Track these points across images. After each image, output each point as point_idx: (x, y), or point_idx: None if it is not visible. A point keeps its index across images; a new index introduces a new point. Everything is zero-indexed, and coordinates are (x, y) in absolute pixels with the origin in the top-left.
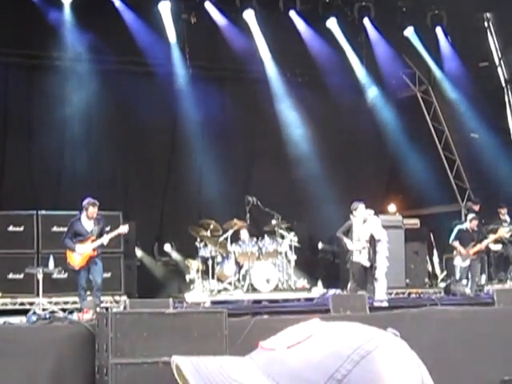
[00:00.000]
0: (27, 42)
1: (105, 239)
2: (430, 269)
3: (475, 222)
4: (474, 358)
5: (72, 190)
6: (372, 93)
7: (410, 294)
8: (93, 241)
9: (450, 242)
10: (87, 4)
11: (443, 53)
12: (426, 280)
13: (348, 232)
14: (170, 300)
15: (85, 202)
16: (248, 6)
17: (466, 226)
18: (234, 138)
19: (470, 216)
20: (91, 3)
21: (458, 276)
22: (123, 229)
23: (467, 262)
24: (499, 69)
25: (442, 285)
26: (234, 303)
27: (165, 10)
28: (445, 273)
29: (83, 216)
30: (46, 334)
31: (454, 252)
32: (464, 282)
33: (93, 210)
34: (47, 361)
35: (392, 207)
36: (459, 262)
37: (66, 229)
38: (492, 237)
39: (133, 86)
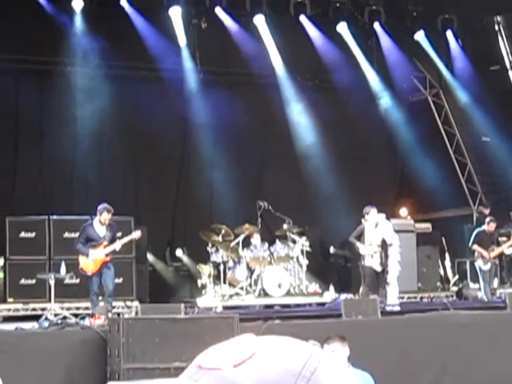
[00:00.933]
0: (38, 48)
1: (117, 245)
2: (442, 273)
3: (493, 225)
4: (487, 361)
5: (84, 195)
6: (385, 101)
7: (422, 298)
8: (105, 246)
9: (470, 245)
10: (98, 10)
11: (454, 56)
12: (438, 284)
13: (360, 236)
14: (182, 305)
15: (100, 207)
16: (258, 10)
17: (485, 228)
18: (245, 143)
19: (488, 218)
20: (102, 9)
21: (481, 279)
22: (136, 234)
23: (489, 265)
24: (510, 72)
25: (454, 289)
26: (245, 308)
27: (175, 15)
28: (457, 277)
29: (96, 221)
30: (57, 340)
31: (476, 255)
32: (477, 285)
33: (107, 216)
34: (59, 366)
35: (404, 211)
36: (481, 265)
37: (77, 234)
38: (510, 242)
39: (144, 92)
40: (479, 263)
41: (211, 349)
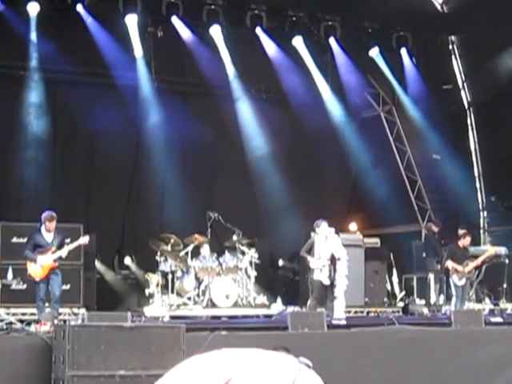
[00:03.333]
0: None
1: (65, 250)
2: (389, 288)
3: (468, 239)
4: (431, 377)
5: (34, 201)
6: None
7: (368, 312)
8: (53, 252)
9: (443, 262)
10: (54, 15)
11: (407, 74)
12: (385, 299)
13: (310, 250)
14: (129, 314)
15: (43, 216)
16: (215, 21)
17: (459, 243)
18: (197, 153)
19: (461, 232)
20: (58, 14)
21: (454, 295)
22: (84, 240)
23: (464, 281)
24: (462, 91)
25: (401, 304)
26: (192, 318)
27: (131, 23)
28: (403, 292)
29: (43, 228)
30: (2, 345)
31: (450, 270)
32: (423, 301)
33: (50, 224)
34: (3, 372)
35: (353, 226)
36: (456, 281)
37: (25, 240)
38: (487, 253)
39: (97, 99)
40: (454, 279)
41: (184, 373)
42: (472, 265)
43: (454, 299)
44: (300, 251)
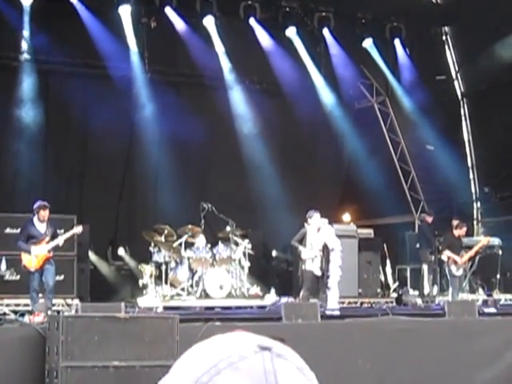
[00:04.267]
0: None
1: (60, 240)
2: (382, 279)
3: (464, 229)
4: (424, 367)
5: (27, 192)
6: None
7: (362, 303)
8: (47, 242)
9: (441, 251)
10: (47, 6)
11: (401, 65)
12: (379, 290)
13: (302, 240)
14: (122, 304)
15: (35, 206)
16: (208, 12)
17: (454, 232)
18: (190, 144)
19: (456, 222)
20: (51, 5)
21: (451, 285)
22: (77, 229)
23: (461, 271)
24: (456, 82)
25: (394, 295)
26: (186, 309)
27: (125, 13)
28: (397, 283)
29: (35, 218)
30: None
31: (447, 260)
32: (416, 292)
33: (44, 213)
34: None
35: (346, 216)
36: (454, 271)
37: (18, 230)
38: (480, 243)
39: (91, 90)
40: (452, 269)
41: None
42: (467, 255)
43: (450, 290)
44: (291, 240)
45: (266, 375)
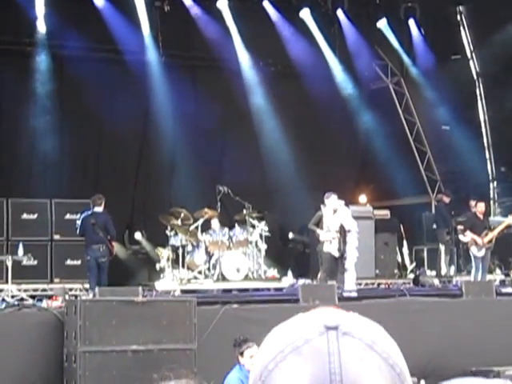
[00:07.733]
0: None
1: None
2: (399, 260)
3: (482, 205)
4: (442, 348)
5: (43, 177)
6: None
7: (379, 284)
8: None
9: (463, 231)
10: None
11: (416, 45)
12: (396, 271)
13: (319, 223)
14: (140, 288)
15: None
16: None
17: (474, 211)
18: (205, 127)
19: (473, 202)
20: None
21: (473, 266)
22: None
23: (483, 252)
24: (471, 62)
25: (411, 276)
26: (203, 292)
27: None
28: (414, 264)
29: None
30: (14, 321)
31: (469, 241)
32: (433, 273)
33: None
34: (16, 348)
35: (363, 198)
36: (475, 252)
37: (35, 216)
38: (505, 223)
39: (105, 74)
40: (473, 250)
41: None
42: (489, 235)
43: (473, 270)
44: (308, 224)
45: (330, 357)
